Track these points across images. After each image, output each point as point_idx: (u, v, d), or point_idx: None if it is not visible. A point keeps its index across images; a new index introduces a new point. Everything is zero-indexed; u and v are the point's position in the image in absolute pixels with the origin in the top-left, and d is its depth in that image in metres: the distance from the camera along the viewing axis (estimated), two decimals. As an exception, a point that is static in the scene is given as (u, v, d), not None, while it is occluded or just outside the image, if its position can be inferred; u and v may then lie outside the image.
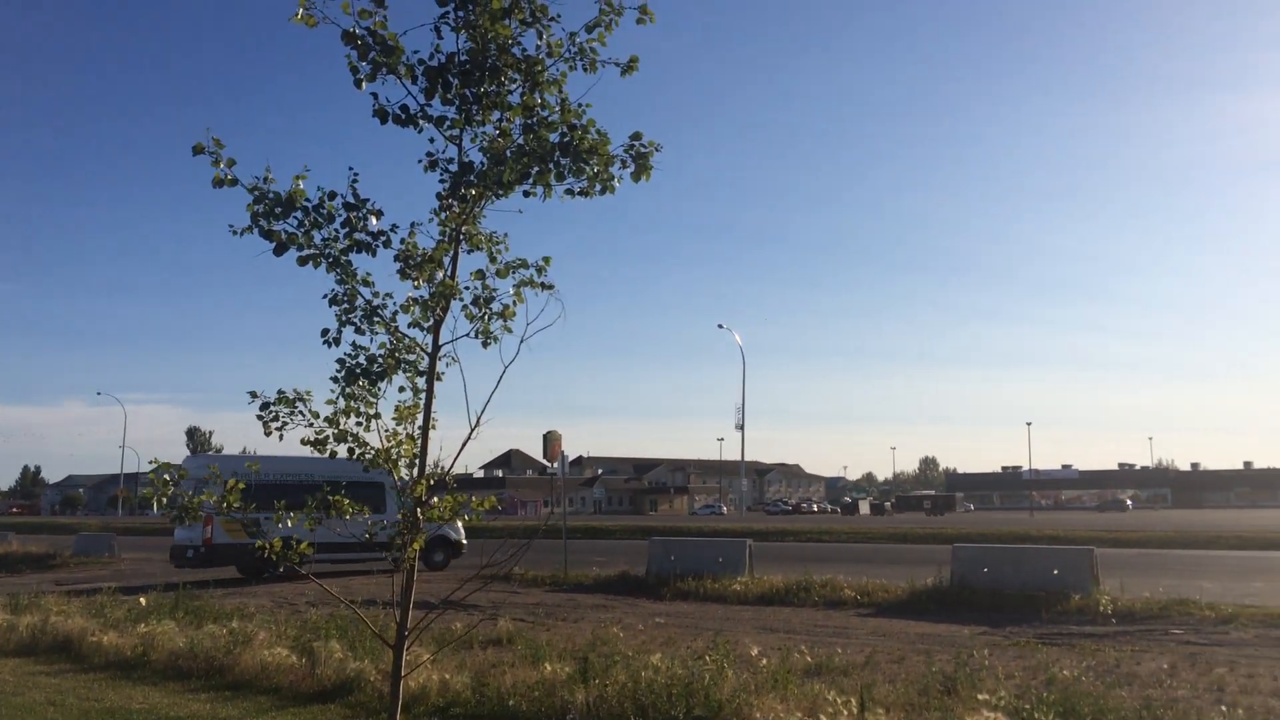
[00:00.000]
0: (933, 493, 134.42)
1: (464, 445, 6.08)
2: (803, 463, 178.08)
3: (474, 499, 6.36)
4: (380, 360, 5.88)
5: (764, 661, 10.05)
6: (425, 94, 5.58)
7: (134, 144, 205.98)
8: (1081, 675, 9.92)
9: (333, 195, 5.60)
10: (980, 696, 8.41)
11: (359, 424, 5.89)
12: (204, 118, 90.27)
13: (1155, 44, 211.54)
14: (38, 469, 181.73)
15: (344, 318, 5.81)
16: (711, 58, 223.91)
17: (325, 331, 5.82)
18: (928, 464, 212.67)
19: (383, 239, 5.76)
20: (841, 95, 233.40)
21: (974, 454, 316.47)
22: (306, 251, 5.59)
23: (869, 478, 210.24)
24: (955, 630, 14.23)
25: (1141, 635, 13.43)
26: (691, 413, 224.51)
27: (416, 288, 5.86)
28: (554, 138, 5.70)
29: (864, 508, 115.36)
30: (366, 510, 6.24)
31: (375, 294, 5.85)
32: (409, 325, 5.95)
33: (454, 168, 5.80)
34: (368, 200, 5.70)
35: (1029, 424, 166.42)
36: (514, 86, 5.65)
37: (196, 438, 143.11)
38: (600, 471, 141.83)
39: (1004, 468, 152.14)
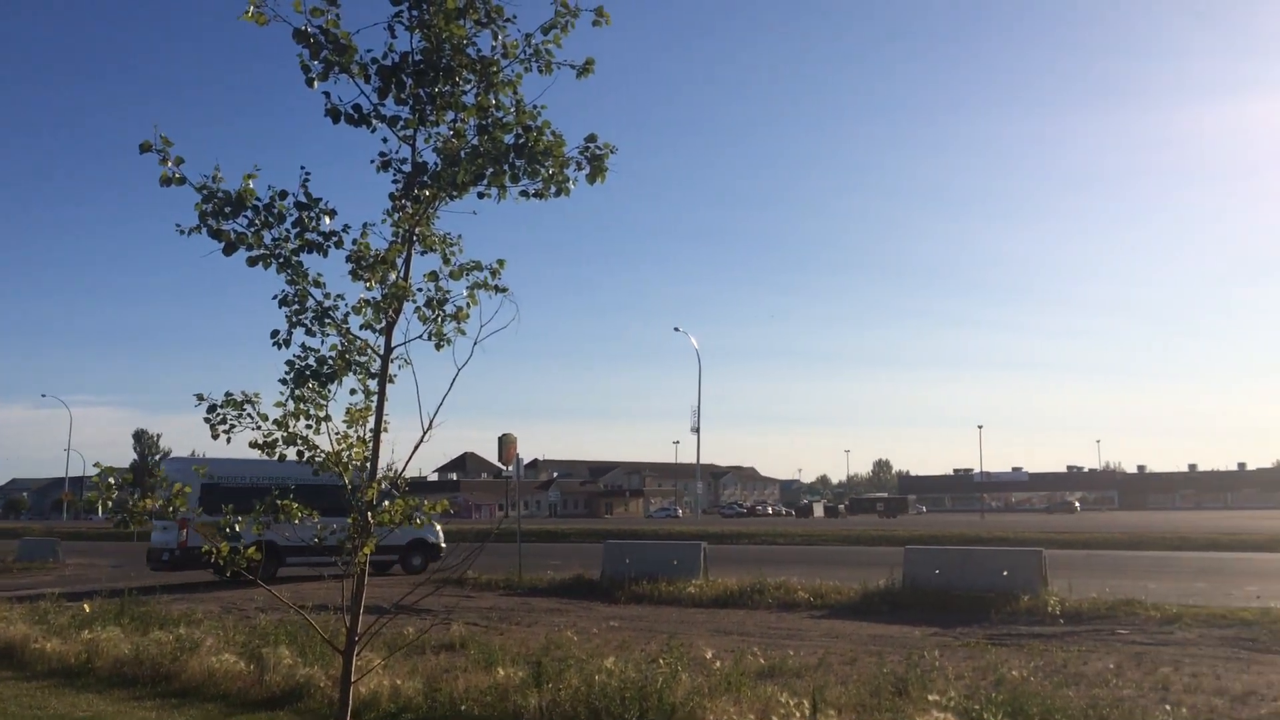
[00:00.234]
0: (886, 495, 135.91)
1: (416, 448, 6.03)
2: (758, 465, 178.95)
3: (426, 502, 6.30)
4: (331, 362, 5.80)
5: (718, 664, 10.07)
6: (379, 93, 5.52)
7: (79, 143, 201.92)
8: (1030, 675, 10.05)
9: (284, 194, 5.51)
10: (931, 697, 8.51)
11: (309, 427, 5.81)
12: (150, 116, 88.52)
13: (1102, 53, 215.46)
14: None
15: (294, 319, 5.72)
16: (666, 58, 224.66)
17: (275, 333, 5.73)
18: (881, 466, 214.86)
19: (335, 239, 5.68)
20: (791, 96, 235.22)
21: (926, 456, 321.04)
22: (256, 251, 5.49)
23: (823, 480, 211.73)
24: (907, 631, 14.37)
25: (1089, 635, 13.65)
26: (647, 415, 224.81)
27: (369, 289, 5.80)
28: (509, 139, 5.67)
29: (818, 510, 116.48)
30: (316, 514, 6.10)
31: (327, 295, 5.77)
32: (361, 327, 5.90)
33: (407, 168, 5.75)
34: (320, 200, 5.62)
35: (980, 427, 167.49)
36: (469, 87, 5.61)
37: (144, 440, 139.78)
38: (555, 474, 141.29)
39: (956, 470, 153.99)
